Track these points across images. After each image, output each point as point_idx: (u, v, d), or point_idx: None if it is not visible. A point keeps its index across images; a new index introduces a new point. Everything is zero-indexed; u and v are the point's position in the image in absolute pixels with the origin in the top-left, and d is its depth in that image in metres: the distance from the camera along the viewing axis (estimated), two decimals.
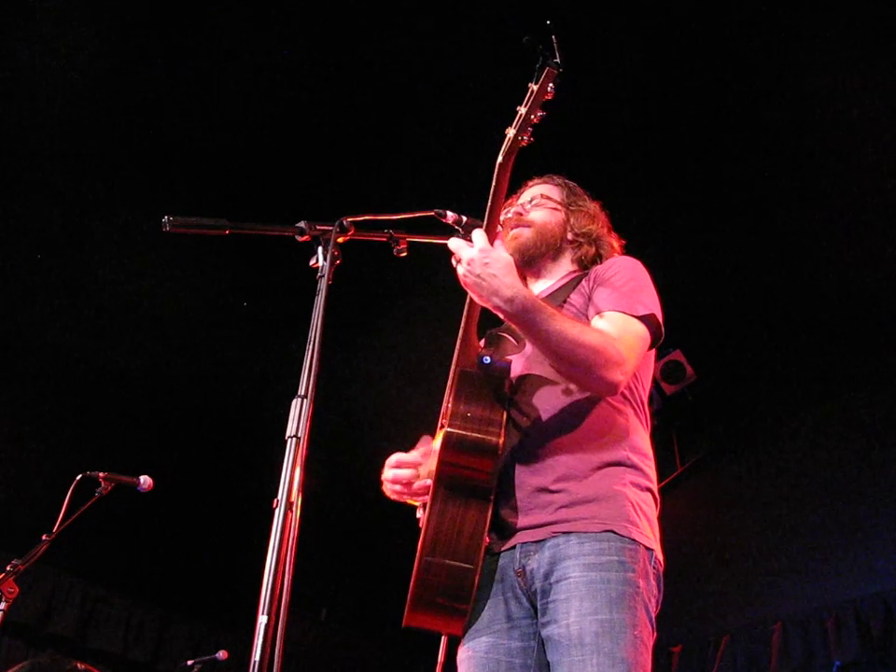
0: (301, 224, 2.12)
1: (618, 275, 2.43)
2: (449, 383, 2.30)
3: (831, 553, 5.60)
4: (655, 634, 2.18)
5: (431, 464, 2.32)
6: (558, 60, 2.15)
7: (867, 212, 5.04)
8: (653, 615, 2.19)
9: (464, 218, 2.27)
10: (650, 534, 2.25)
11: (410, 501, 2.48)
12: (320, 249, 2.09)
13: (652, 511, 2.32)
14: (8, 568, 3.51)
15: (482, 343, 2.53)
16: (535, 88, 2.19)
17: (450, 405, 2.23)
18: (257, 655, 1.64)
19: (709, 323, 5.89)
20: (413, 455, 2.50)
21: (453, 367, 2.29)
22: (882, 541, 5.38)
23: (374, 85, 5.08)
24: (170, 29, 4.83)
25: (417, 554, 2.20)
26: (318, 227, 2.12)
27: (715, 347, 6.09)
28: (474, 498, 2.21)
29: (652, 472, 2.37)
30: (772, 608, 5.78)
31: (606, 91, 4.87)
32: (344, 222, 2.13)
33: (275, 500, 1.77)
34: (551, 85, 2.17)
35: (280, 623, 1.68)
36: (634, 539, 2.18)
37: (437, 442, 2.32)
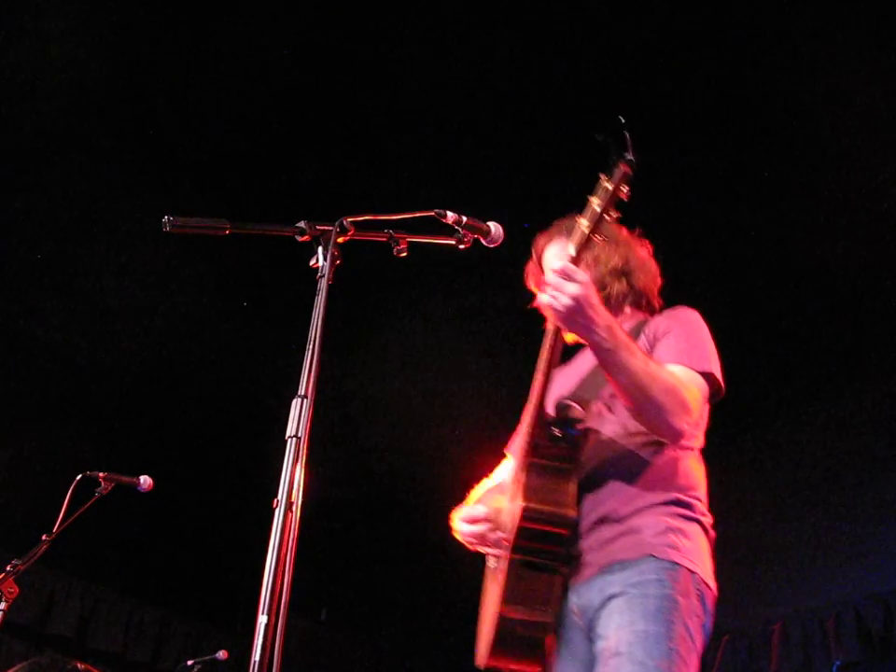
0: (301, 224, 2.11)
1: (680, 328, 2.55)
2: (525, 420, 2.39)
3: (831, 552, 5.60)
4: (698, 653, 2.19)
5: (503, 518, 2.40)
6: (632, 157, 2.02)
7: (872, 211, 5.03)
8: (696, 634, 2.20)
9: (464, 219, 2.24)
10: (694, 558, 2.28)
11: (483, 550, 2.54)
12: (320, 249, 2.08)
13: (700, 539, 2.35)
14: (8, 568, 3.50)
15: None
16: (609, 187, 2.05)
17: (523, 479, 2.29)
18: (257, 655, 1.64)
19: (709, 323, 5.87)
20: (482, 509, 2.53)
21: (534, 403, 2.35)
22: (882, 541, 5.38)
23: (375, 85, 5.08)
24: (170, 28, 4.83)
25: (496, 607, 2.27)
26: (318, 227, 2.11)
27: (714, 347, 6.06)
28: (547, 567, 2.27)
29: (703, 508, 2.43)
30: (772, 608, 5.78)
31: (607, 89, 4.87)
32: (344, 222, 2.12)
33: (275, 500, 1.77)
34: (625, 186, 2.05)
35: (280, 622, 1.67)
36: (674, 562, 2.23)
37: (504, 500, 2.44)
